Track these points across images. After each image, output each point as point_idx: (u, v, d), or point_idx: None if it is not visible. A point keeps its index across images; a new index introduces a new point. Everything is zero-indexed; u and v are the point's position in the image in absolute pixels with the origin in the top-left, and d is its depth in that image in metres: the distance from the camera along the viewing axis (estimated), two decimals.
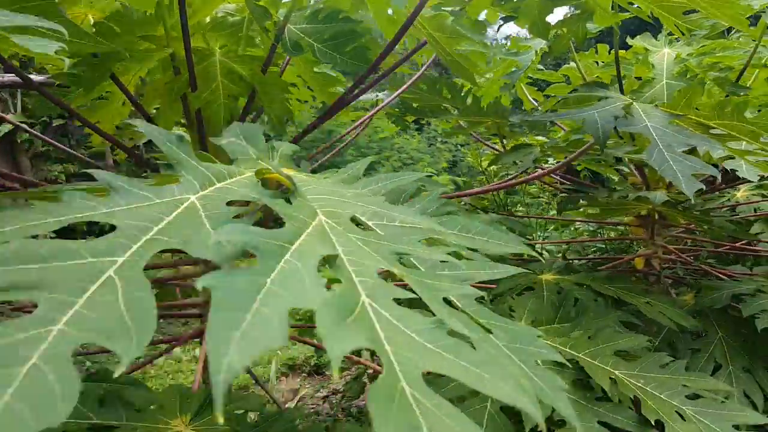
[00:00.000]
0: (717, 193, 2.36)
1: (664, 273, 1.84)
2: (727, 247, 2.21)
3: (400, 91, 1.44)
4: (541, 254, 2.62)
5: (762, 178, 2.11)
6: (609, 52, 1.93)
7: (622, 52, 1.90)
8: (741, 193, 2.37)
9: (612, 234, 2.98)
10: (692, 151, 1.41)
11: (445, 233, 0.45)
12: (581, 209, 2.19)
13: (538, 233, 3.69)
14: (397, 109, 1.79)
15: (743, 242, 2.25)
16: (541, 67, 2.19)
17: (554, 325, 0.92)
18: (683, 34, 1.47)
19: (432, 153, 10.39)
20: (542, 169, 2.21)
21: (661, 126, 0.80)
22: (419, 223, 0.42)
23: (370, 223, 0.44)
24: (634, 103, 0.87)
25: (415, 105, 1.75)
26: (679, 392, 0.75)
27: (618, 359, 0.80)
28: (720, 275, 1.68)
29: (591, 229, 3.16)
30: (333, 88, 1.30)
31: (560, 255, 2.46)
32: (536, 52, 1.68)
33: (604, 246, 3.38)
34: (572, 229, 3.25)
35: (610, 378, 0.75)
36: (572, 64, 1.89)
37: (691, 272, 1.96)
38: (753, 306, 1.35)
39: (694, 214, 1.30)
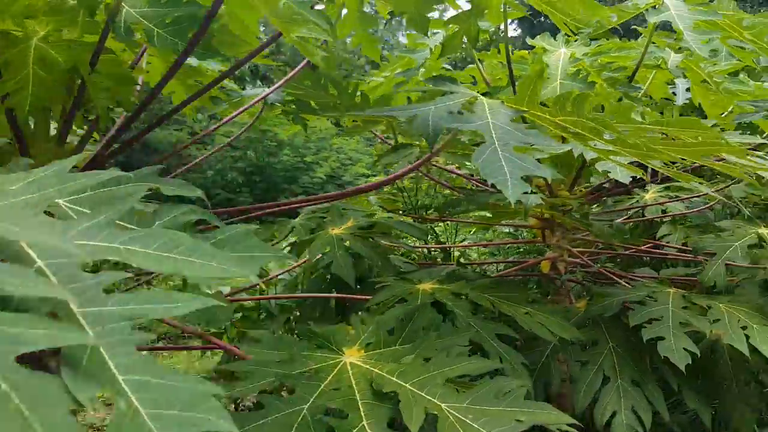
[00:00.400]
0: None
1: (566, 277, 1.80)
2: (633, 250, 2.20)
3: (276, 86, 1.34)
4: (452, 257, 2.57)
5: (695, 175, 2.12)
6: (512, 52, 1.89)
7: (523, 52, 1.86)
8: (650, 194, 2.38)
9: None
10: (582, 156, 1.35)
11: (128, 252, 0.35)
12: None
13: (462, 236, 3.65)
14: (292, 106, 1.68)
15: (649, 245, 2.24)
16: (449, 66, 2.13)
17: (393, 347, 0.81)
18: (573, 33, 1.42)
19: (371, 154, 10.35)
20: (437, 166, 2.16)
21: (503, 123, 0.72)
22: (73, 242, 0.31)
23: (23, 243, 0.33)
24: (480, 97, 0.79)
25: (312, 103, 1.65)
26: (511, 428, 0.66)
27: (449, 389, 0.70)
28: (616, 279, 1.65)
29: (509, 231, 3.13)
30: (192, 80, 1.18)
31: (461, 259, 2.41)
32: (431, 49, 1.60)
33: (526, 248, 3.36)
34: (492, 231, 3.22)
35: (432, 413, 0.65)
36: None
37: (590, 276, 1.93)
38: (640, 315, 1.30)
39: (576, 218, 1.24)
